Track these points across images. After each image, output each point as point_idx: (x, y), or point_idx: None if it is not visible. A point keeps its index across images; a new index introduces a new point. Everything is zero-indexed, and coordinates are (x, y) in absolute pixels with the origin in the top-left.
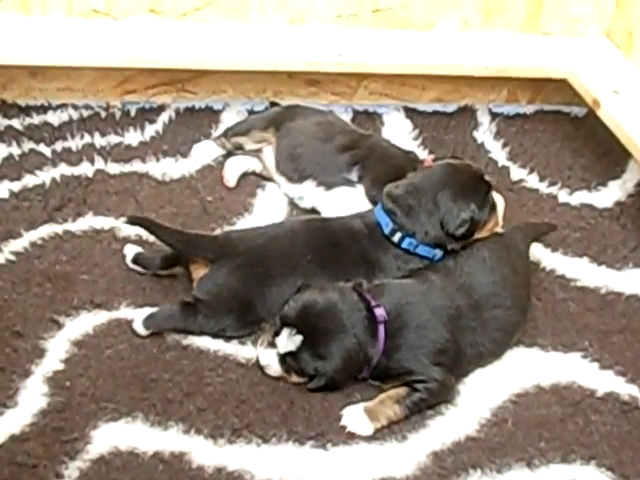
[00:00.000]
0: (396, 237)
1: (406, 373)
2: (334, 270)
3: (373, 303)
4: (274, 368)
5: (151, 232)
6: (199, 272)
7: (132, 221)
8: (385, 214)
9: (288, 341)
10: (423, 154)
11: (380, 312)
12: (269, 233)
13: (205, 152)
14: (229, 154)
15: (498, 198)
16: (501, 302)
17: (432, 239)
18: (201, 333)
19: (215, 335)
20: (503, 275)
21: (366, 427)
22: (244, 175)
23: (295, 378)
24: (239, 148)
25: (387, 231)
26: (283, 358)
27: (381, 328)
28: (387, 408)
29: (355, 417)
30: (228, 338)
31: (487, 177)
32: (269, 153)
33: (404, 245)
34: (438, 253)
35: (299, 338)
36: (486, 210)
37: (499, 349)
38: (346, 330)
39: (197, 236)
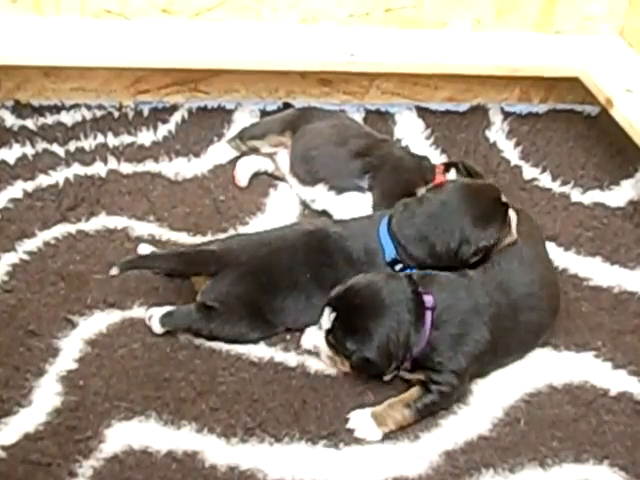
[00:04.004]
0: (397, 267)
1: (434, 370)
2: (332, 289)
3: (421, 289)
4: (321, 347)
5: (148, 267)
6: (201, 282)
7: (125, 268)
8: (390, 240)
9: (326, 320)
10: (435, 154)
11: (429, 299)
12: (272, 245)
13: (220, 154)
14: (242, 155)
15: (510, 212)
16: (537, 303)
17: (442, 268)
18: (216, 339)
19: (233, 341)
20: (540, 274)
21: (374, 432)
22: (256, 175)
23: (342, 366)
24: (255, 151)
25: (388, 260)
26: (327, 339)
27: (428, 315)
28: (396, 412)
29: (362, 422)
30: (245, 343)
31: (504, 198)
32: (284, 156)
33: (397, 268)
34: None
35: (333, 315)
36: (504, 232)
37: (525, 351)
38: (385, 309)
39: (196, 253)
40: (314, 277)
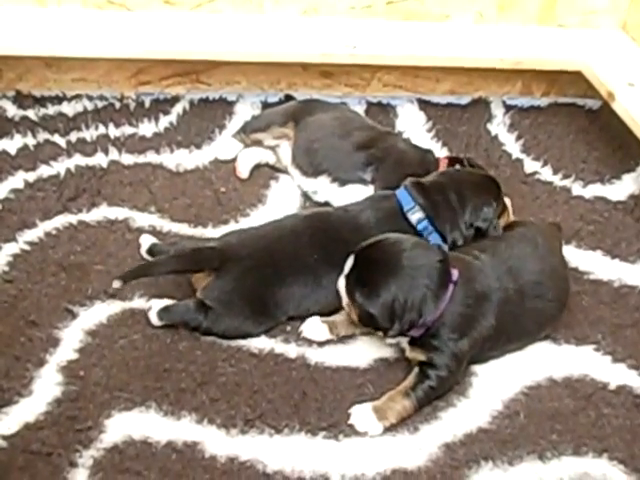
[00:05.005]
0: (415, 215)
1: (437, 350)
2: (342, 265)
3: (452, 262)
4: (341, 292)
5: (150, 274)
6: (201, 280)
7: (127, 279)
8: (409, 197)
9: (347, 266)
10: (437, 147)
11: (455, 272)
12: (272, 235)
13: (227, 149)
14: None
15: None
16: (543, 292)
17: (450, 233)
18: (219, 336)
19: (235, 337)
20: (552, 265)
21: (374, 427)
22: (257, 166)
23: (354, 316)
24: (258, 144)
25: (407, 207)
26: (345, 284)
27: (450, 288)
28: (396, 403)
29: (363, 417)
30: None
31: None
32: (286, 147)
33: (420, 226)
34: (445, 249)
35: (350, 264)
36: (500, 206)
37: (527, 340)
38: (400, 270)
39: (194, 251)
40: (323, 257)
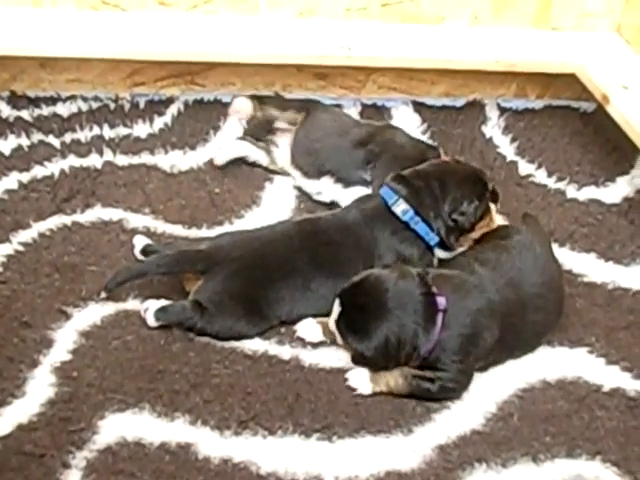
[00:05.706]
0: (400, 208)
1: (444, 371)
2: (330, 269)
3: (435, 290)
4: (335, 333)
5: (135, 278)
6: (191, 282)
7: (113, 287)
8: (392, 192)
9: (335, 310)
10: None
11: (441, 300)
12: (264, 238)
13: (239, 106)
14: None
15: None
16: (544, 304)
17: (434, 221)
18: (213, 337)
19: (230, 338)
20: (551, 276)
21: (365, 386)
22: (251, 168)
23: (350, 351)
24: (269, 121)
25: (391, 202)
26: (336, 327)
27: (439, 317)
28: (391, 377)
29: (359, 375)
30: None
31: (490, 185)
32: (284, 147)
33: (406, 217)
34: (434, 238)
35: (338, 310)
36: (483, 206)
37: (526, 350)
38: (387, 313)
39: (180, 254)
40: (311, 260)
